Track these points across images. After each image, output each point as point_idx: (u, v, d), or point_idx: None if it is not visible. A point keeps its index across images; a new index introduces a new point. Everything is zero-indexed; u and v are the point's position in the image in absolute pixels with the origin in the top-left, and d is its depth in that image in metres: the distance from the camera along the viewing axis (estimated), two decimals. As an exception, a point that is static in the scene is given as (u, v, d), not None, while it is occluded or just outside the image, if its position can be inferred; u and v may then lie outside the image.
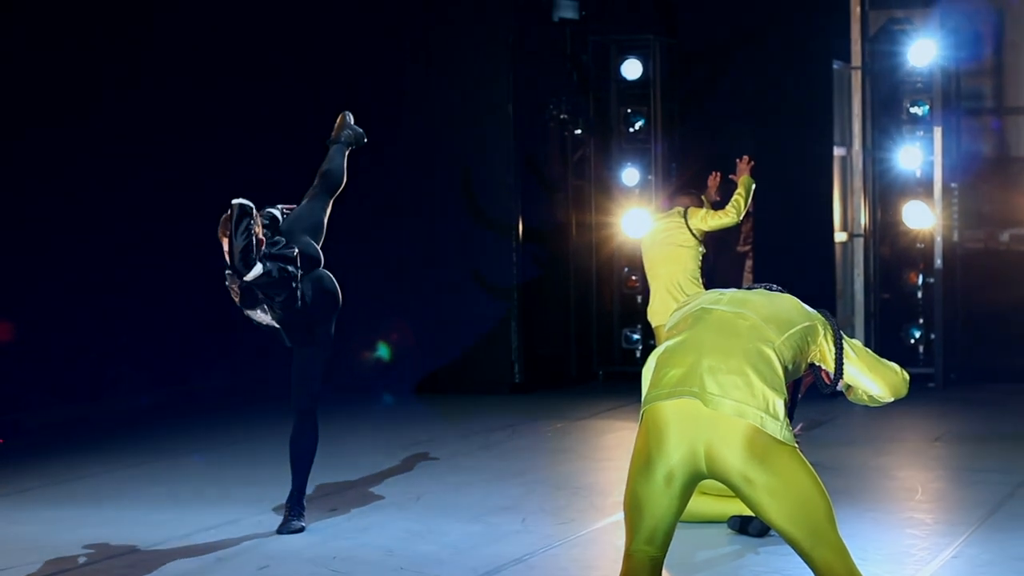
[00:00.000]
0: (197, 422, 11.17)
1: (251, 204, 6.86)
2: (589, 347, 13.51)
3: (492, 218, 12.71)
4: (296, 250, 7.05)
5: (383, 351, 12.88)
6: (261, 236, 6.87)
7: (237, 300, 7.00)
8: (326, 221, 7.46)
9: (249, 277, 6.81)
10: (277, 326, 7.17)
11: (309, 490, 7.46)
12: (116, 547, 6.99)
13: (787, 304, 4.99)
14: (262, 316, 7.08)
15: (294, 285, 6.97)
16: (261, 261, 6.82)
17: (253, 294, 6.94)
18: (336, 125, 7.74)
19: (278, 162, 11.73)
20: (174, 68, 11.69)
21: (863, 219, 12.98)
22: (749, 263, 13.30)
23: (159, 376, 11.95)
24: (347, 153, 7.69)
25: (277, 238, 7.08)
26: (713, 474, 4.69)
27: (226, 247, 6.84)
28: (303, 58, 12.59)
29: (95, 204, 11.22)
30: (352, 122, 7.75)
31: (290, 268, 6.96)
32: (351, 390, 12.13)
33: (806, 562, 4.67)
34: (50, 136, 10.92)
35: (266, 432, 10.25)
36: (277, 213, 7.27)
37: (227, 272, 6.94)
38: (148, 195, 11.54)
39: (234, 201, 6.83)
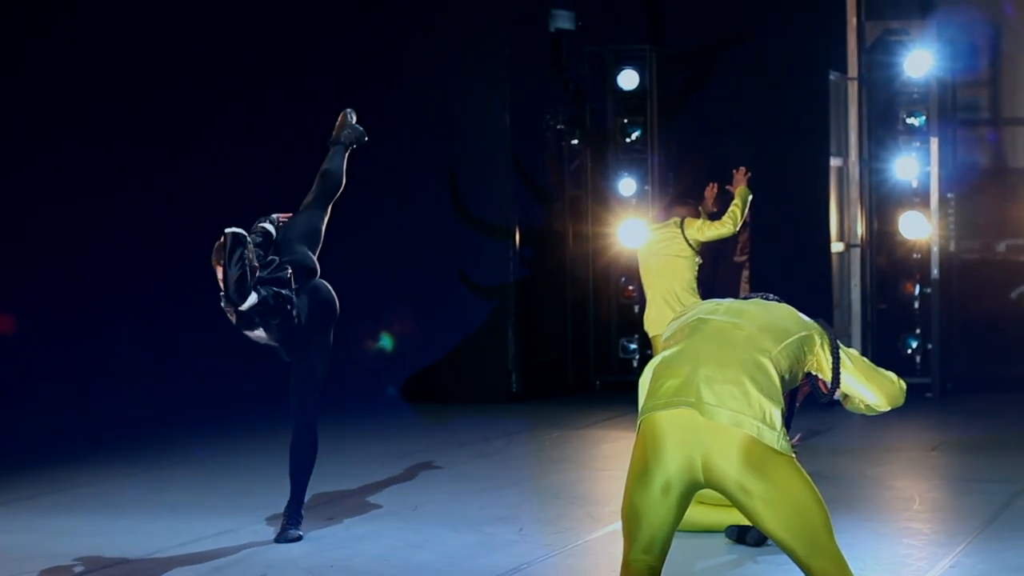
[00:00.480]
0: (195, 430, 11.16)
1: (244, 232, 6.81)
2: (586, 356, 13.51)
3: (483, 222, 12.72)
4: (290, 271, 7.02)
5: (386, 341, 12.88)
6: (255, 263, 6.83)
7: (234, 321, 6.97)
8: (324, 228, 7.43)
9: (244, 307, 6.78)
10: (275, 344, 7.16)
11: (306, 499, 7.45)
12: (112, 556, 6.98)
13: (784, 314, 5.01)
14: (260, 335, 7.06)
15: (289, 308, 6.95)
16: (255, 289, 6.79)
17: (250, 317, 6.91)
18: (337, 124, 7.68)
19: (277, 165, 11.74)
20: (173, 69, 11.69)
21: (860, 229, 12.98)
22: (746, 273, 13.32)
23: (157, 384, 11.95)
24: (347, 153, 7.64)
25: (271, 258, 7.04)
26: (710, 484, 4.70)
27: (220, 275, 6.80)
28: (299, 67, 12.60)
29: (93, 210, 11.22)
30: (353, 120, 7.69)
31: (284, 292, 6.94)
32: (350, 395, 12.13)
33: (803, 572, 4.68)
34: (49, 142, 10.94)
35: (264, 441, 10.25)
36: (271, 228, 7.21)
37: (221, 294, 6.90)
38: (146, 199, 11.55)
39: (227, 230, 6.77)
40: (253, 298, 6.77)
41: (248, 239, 6.81)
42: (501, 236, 12.74)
